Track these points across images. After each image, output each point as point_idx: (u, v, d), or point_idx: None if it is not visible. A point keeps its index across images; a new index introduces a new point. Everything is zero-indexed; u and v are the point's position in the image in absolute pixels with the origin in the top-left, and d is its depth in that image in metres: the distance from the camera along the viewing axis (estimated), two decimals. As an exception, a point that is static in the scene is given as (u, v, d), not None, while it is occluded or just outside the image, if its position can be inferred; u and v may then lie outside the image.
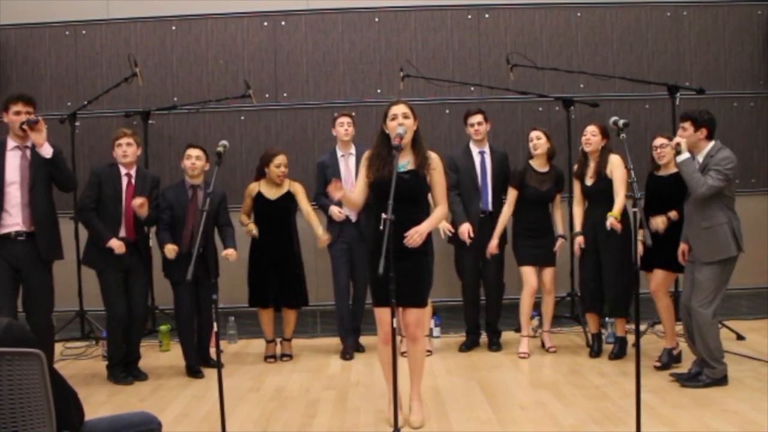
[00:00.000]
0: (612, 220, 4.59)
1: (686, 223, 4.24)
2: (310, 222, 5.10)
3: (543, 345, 5.21)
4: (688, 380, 4.18)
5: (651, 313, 5.33)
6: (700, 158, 4.08)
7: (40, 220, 4.18)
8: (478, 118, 5.16)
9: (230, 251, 4.80)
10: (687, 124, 4.09)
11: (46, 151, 4.13)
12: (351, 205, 3.77)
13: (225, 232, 4.91)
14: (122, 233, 4.54)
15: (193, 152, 4.77)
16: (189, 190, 4.78)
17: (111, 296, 4.54)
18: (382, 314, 3.58)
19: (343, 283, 5.23)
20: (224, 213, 4.94)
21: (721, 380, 4.13)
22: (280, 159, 4.98)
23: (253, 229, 4.96)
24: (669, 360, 4.57)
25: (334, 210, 5.05)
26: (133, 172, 4.62)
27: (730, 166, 3.98)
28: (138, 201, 4.42)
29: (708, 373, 4.13)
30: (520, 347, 5.10)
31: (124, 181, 4.58)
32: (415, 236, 3.51)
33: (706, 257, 4.07)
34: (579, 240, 4.86)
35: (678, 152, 4.06)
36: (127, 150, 4.56)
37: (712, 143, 4.09)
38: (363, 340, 5.37)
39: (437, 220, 3.70)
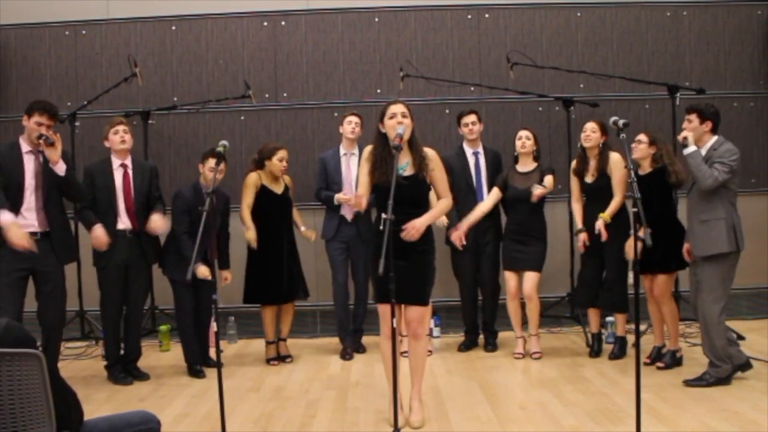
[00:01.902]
0: (601, 222, 4.64)
1: (687, 216, 4.27)
2: (295, 218, 5.19)
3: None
4: (692, 380, 4.17)
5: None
6: (703, 151, 4.12)
7: (54, 224, 4.21)
8: (472, 117, 5.17)
9: (227, 275, 4.87)
10: (693, 116, 4.15)
11: (60, 168, 4.14)
12: (361, 207, 3.78)
13: (222, 244, 4.90)
14: (122, 225, 4.52)
15: (220, 167, 4.63)
16: (205, 197, 4.73)
17: (108, 294, 4.55)
18: (385, 310, 3.59)
19: (341, 283, 5.24)
20: (226, 218, 4.96)
21: (725, 380, 4.13)
22: (283, 153, 4.99)
23: (253, 241, 4.90)
24: (671, 362, 4.57)
25: (340, 196, 5.06)
26: (128, 162, 4.60)
27: (735, 158, 4.04)
28: (156, 222, 4.47)
29: (712, 372, 4.13)
30: (516, 348, 5.11)
31: (119, 172, 4.56)
32: (411, 231, 3.51)
33: (699, 250, 4.11)
34: (583, 237, 4.82)
35: (685, 145, 4.10)
36: (124, 137, 4.55)
37: (715, 137, 4.15)
38: (365, 340, 5.37)
39: (439, 212, 3.71)
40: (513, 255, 5.01)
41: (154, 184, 4.71)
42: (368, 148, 3.71)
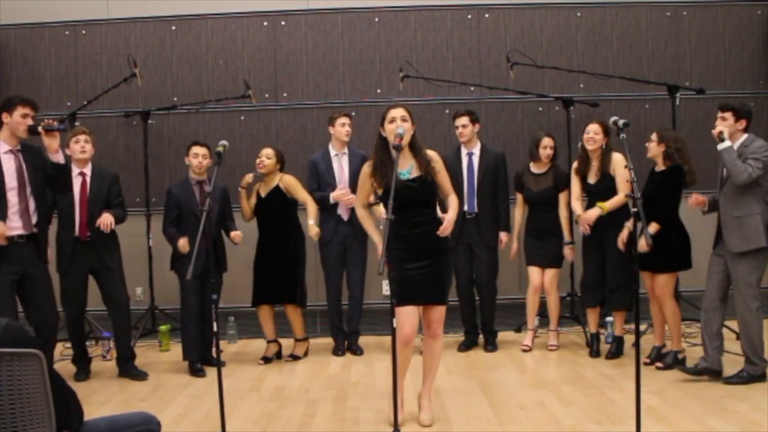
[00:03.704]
0: (597, 210, 4.67)
1: (720, 213, 4.25)
2: (309, 211, 5.02)
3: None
4: (731, 377, 4.16)
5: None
6: (735, 147, 4.11)
7: (41, 223, 4.16)
8: (463, 120, 5.14)
9: (237, 232, 4.84)
10: (728, 114, 4.15)
11: (60, 157, 4.10)
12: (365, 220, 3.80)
13: (227, 224, 4.97)
14: (76, 232, 4.57)
15: (200, 150, 4.81)
16: (195, 187, 4.84)
17: (69, 294, 4.59)
18: (405, 315, 3.57)
19: (335, 285, 5.25)
20: (227, 206, 4.99)
21: (761, 377, 4.13)
22: (262, 151, 5.05)
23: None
24: (673, 362, 4.55)
25: (335, 194, 5.06)
26: (87, 170, 4.63)
27: None
28: (104, 219, 4.51)
29: (749, 369, 4.14)
30: (524, 340, 5.21)
31: (78, 180, 4.58)
32: (448, 225, 3.52)
33: (736, 246, 4.09)
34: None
35: (722, 139, 4.09)
36: (85, 146, 4.60)
37: (746, 135, 4.15)
38: (362, 341, 5.36)
39: (457, 209, 3.71)
40: (535, 251, 5.13)
41: (114, 191, 4.71)
42: (364, 168, 3.70)
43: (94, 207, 4.59)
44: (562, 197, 5.07)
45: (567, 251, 5.10)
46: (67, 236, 4.57)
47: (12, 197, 4.00)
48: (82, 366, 4.75)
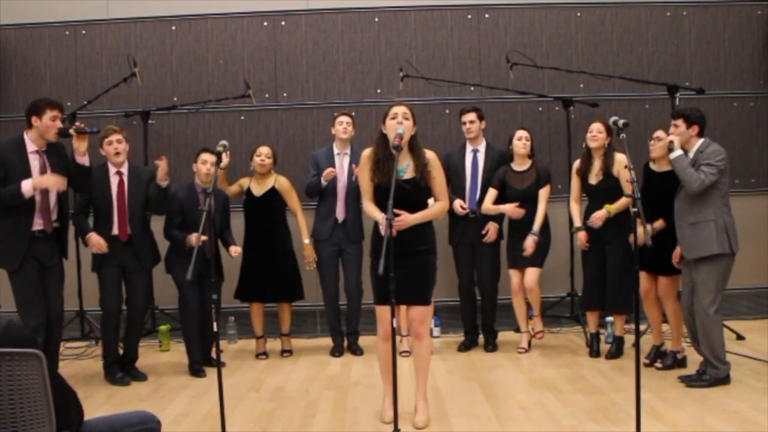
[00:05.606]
0: (603, 211, 4.66)
1: (676, 219, 4.26)
2: (299, 224, 5.16)
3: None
4: (692, 380, 4.18)
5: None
6: (690, 154, 4.13)
7: (63, 220, 4.31)
8: (471, 116, 5.15)
9: (236, 248, 4.87)
10: (679, 122, 4.16)
11: (86, 159, 4.23)
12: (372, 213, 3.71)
13: (224, 234, 4.97)
14: (114, 231, 4.56)
15: (210, 158, 4.74)
16: (201, 194, 4.81)
17: (106, 292, 4.58)
18: (384, 312, 3.59)
19: (331, 284, 5.25)
20: (226, 216, 4.99)
21: (724, 380, 4.15)
22: (260, 149, 5.09)
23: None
24: (673, 362, 4.56)
25: (324, 175, 5.01)
26: (124, 170, 4.61)
27: (721, 158, 4.04)
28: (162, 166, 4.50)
29: (711, 372, 4.14)
30: (520, 342, 5.18)
31: (115, 180, 4.58)
32: (399, 223, 3.46)
33: (690, 253, 4.12)
34: (581, 235, 4.84)
35: (671, 149, 4.12)
36: (118, 147, 4.55)
37: (701, 140, 4.16)
38: (362, 341, 5.36)
39: (432, 213, 3.69)
40: (515, 254, 5.06)
41: (152, 187, 4.69)
42: (366, 152, 3.71)
43: (133, 206, 4.59)
44: (542, 193, 4.98)
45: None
46: (103, 235, 4.52)
47: (36, 195, 4.14)
48: (117, 368, 4.62)
